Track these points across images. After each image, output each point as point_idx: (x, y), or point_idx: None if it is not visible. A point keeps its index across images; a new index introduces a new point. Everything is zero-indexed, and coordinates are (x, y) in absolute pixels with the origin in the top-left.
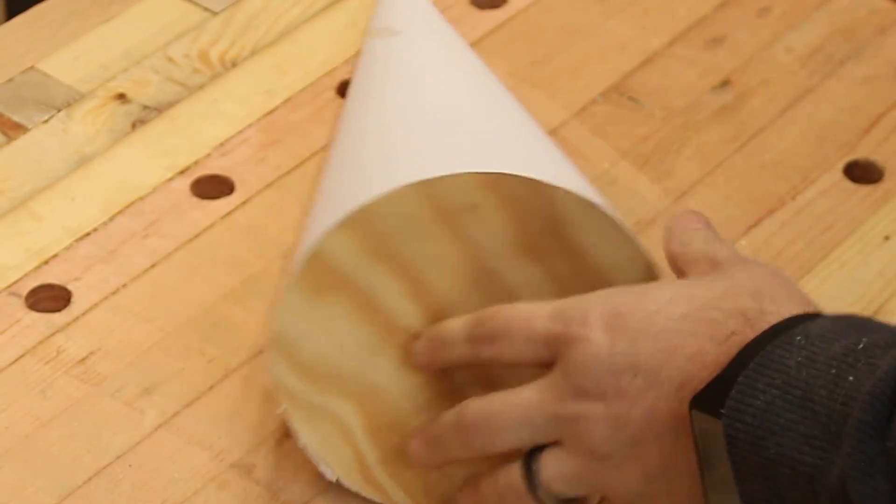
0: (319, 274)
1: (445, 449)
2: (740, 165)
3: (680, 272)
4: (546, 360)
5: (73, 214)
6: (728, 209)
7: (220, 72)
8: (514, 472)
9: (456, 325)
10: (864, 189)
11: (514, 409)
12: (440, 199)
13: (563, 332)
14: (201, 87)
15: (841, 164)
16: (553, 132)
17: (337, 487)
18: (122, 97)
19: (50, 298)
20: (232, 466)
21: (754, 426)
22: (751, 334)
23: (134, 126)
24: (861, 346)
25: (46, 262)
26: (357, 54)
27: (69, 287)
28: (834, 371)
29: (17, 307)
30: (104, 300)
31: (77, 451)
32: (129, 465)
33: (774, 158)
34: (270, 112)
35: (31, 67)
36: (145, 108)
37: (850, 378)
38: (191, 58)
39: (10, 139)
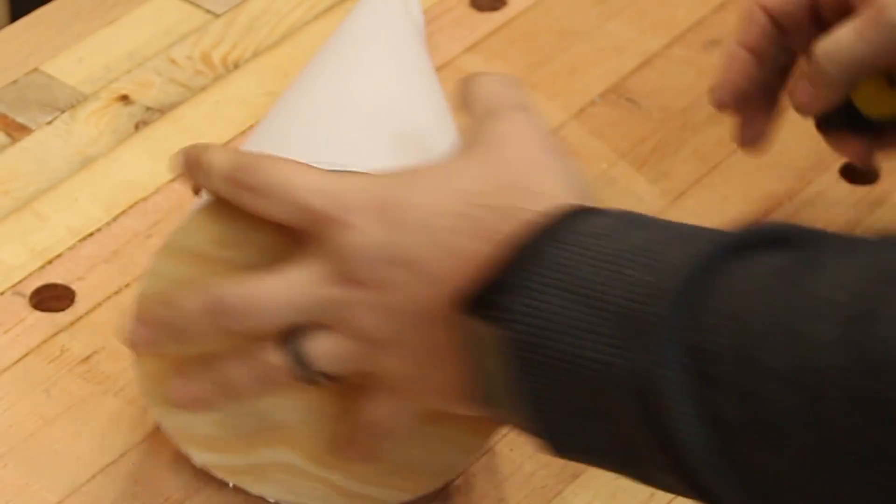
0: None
1: (192, 329)
2: (737, 166)
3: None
4: (306, 230)
5: (76, 215)
6: (725, 210)
7: (222, 73)
8: (273, 352)
9: (220, 158)
10: (861, 190)
11: (276, 291)
12: None
13: (329, 214)
14: (204, 88)
15: (837, 166)
16: (552, 133)
17: None
18: (125, 99)
19: (54, 298)
20: None
21: (537, 326)
22: (521, 233)
23: (137, 127)
24: (640, 242)
25: (50, 262)
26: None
27: (73, 287)
28: (619, 265)
29: (22, 306)
30: (107, 300)
31: (80, 449)
32: (132, 463)
33: (771, 159)
34: None
35: (35, 69)
36: (148, 109)
37: (636, 273)
38: (193, 60)
39: (14, 140)
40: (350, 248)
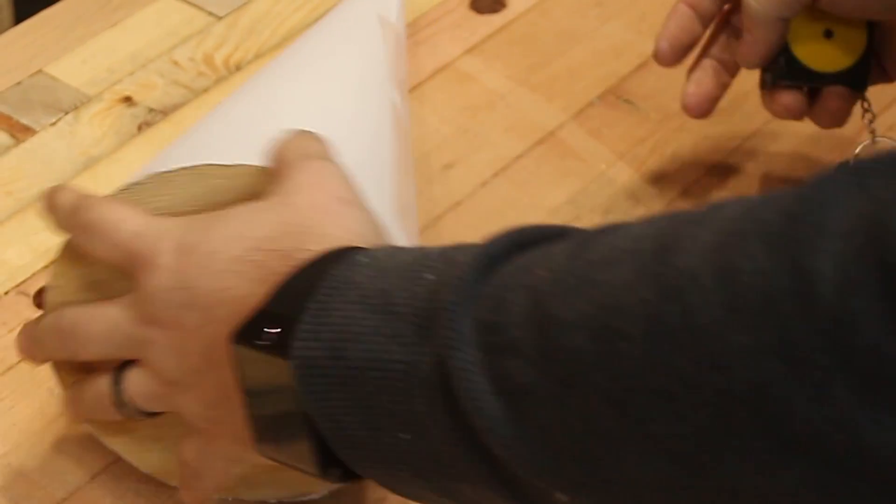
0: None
1: (44, 347)
2: (735, 168)
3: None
4: (127, 270)
5: None
6: None
7: (224, 75)
8: (104, 382)
9: (64, 199)
10: None
11: (98, 323)
12: None
13: (140, 254)
14: (206, 90)
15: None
16: (551, 134)
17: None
18: (128, 100)
19: None
20: None
21: (333, 340)
22: (298, 266)
23: (140, 128)
24: (430, 251)
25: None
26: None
27: None
28: (410, 274)
29: (26, 306)
30: None
31: (83, 447)
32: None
33: (769, 160)
34: None
35: (39, 71)
36: (151, 110)
37: (429, 276)
38: (196, 61)
39: (18, 141)
40: (151, 289)
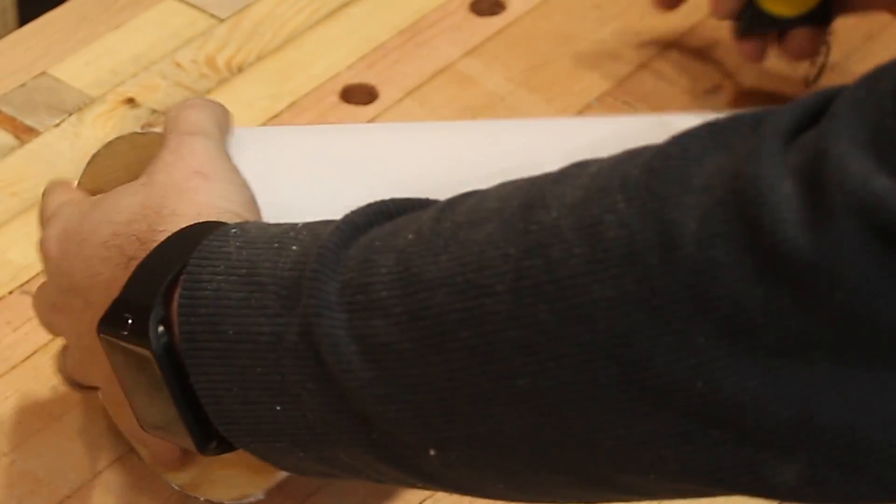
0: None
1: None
2: None
3: None
4: None
5: None
6: None
7: (226, 77)
8: (61, 356)
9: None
10: None
11: (36, 307)
12: None
13: (46, 242)
14: (208, 91)
15: None
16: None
17: (339, 482)
18: (131, 101)
19: None
20: None
21: (208, 314)
22: (144, 253)
23: (143, 129)
24: (298, 225)
25: None
26: (360, 59)
27: None
28: (276, 245)
29: (30, 305)
30: None
31: (88, 444)
32: (139, 458)
33: None
34: (275, 116)
35: (43, 73)
36: (154, 112)
37: (294, 248)
38: (198, 63)
39: (22, 142)
40: (48, 276)
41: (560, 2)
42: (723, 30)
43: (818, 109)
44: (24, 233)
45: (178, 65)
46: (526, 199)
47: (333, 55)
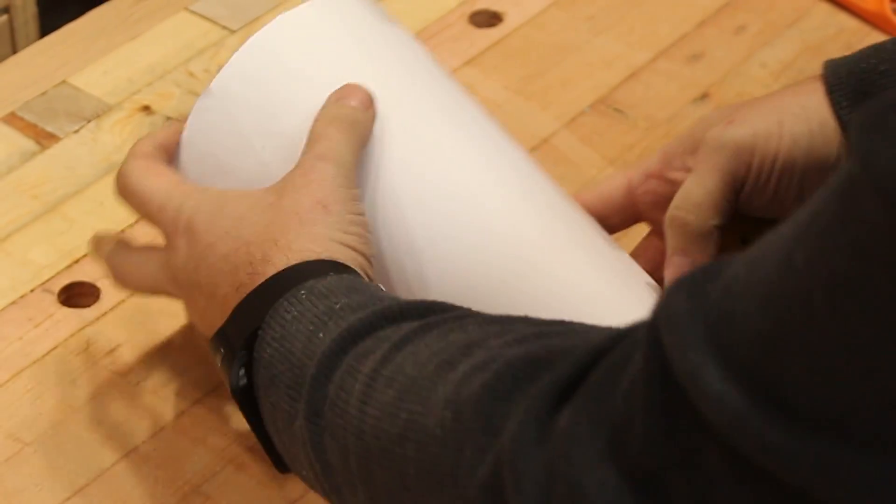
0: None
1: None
2: None
3: None
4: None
5: (102, 217)
6: None
7: None
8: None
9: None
10: None
11: (141, 276)
12: None
13: (164, 229)
14: None
15: None
16: (545, 141)
17: None
18: (146, 109)
19: (81, 295)
20: (249, 449)
21: (265, 373)
22: (251, 287)
23: None
24: (338, 306)
25: (77, 262)
26: None
27: (98, 284)
28: (312, 328)
29: (51, 303)
30: (131, 296)
31: (105, 436)
32: (153, 449)
33: None
34: None
35: (63, 81)
36: (168, 119)
37: (321, 335)
38: (210, 73)
39: (43, 148)
40: (174, 263)
41: (554, 14)
42: (708, 41)
43: (588, 365)
44: (45, 234)
45: (192, 74)
46: (415, 385)
47: None
